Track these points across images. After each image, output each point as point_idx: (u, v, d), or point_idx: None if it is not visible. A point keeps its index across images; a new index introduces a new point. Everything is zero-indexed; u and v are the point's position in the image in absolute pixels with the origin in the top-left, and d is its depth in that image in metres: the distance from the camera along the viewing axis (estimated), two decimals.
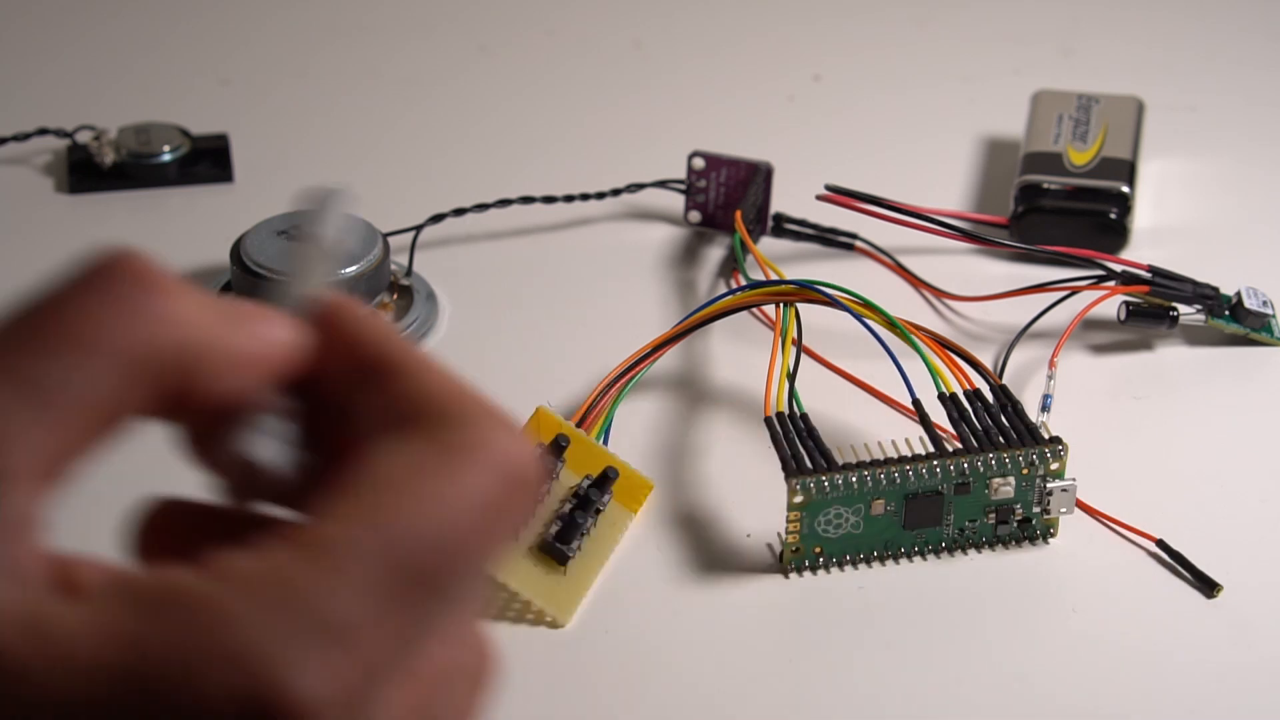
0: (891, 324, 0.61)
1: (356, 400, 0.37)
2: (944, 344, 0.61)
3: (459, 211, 0.73)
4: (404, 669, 0.35)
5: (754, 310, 0.69)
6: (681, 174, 0.74)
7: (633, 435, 0.63)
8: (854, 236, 0.74)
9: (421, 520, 0.35)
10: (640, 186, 0.75)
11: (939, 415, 0.59)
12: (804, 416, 0.59)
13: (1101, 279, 0.67)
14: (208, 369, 0.36)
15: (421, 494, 0.35)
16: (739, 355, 0.67)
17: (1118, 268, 0.67)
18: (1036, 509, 0.59)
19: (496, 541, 0.36)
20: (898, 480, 0.57)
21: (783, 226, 0.74)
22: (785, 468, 0.57)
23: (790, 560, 0.58)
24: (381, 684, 0.34)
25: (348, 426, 0.37)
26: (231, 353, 0.37)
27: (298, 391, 0.38)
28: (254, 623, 0.33)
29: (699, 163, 0.74)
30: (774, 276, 0.67)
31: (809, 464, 0.57)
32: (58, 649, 0.32)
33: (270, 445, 0.37)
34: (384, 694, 0.35)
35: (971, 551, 0.59)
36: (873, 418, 0.64)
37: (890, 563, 0.59)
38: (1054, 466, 0.58)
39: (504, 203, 0.73)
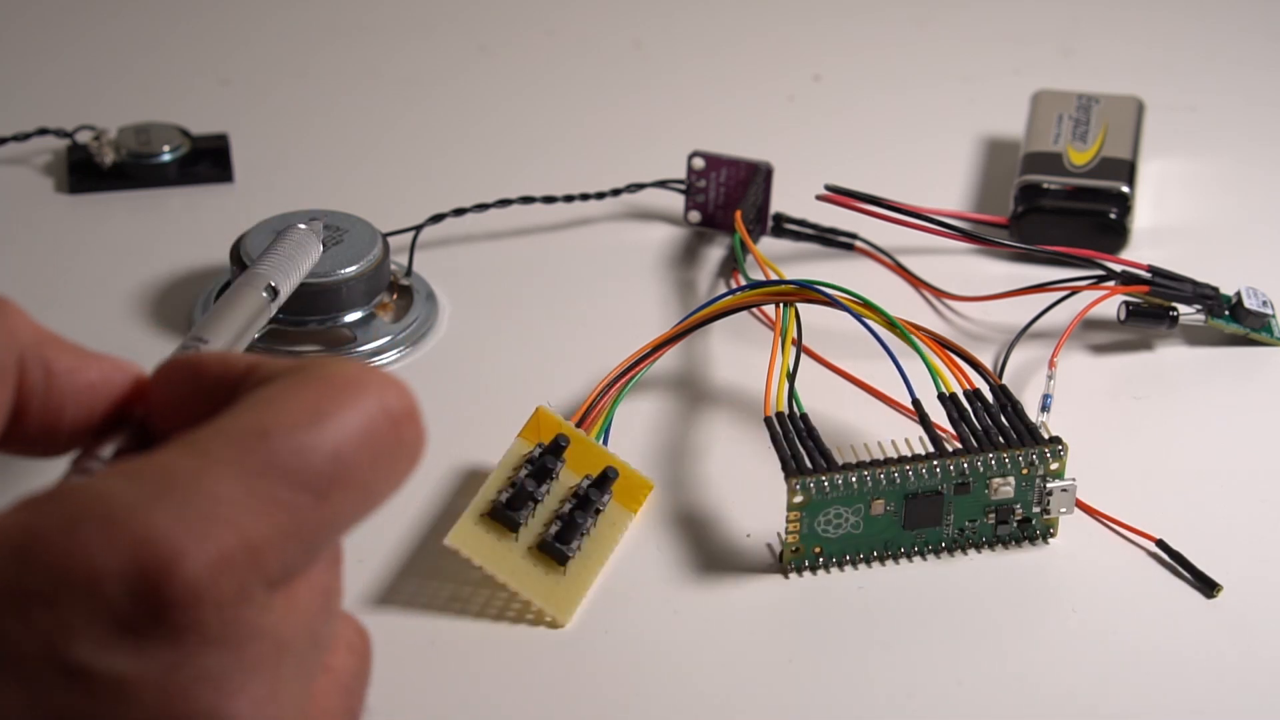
0: (891, 324, 0.61)
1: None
2: (944, 344, 0.61)
3: (459, 211, 0.73)
4: (285, 571, 0.37)
5: (754, 310, 0.69)
6: (681, 174, 0.74)
7: (633, 435, 0.63)
8: (854, 236, 0.74)
9: (301, 426, 0.37)
10: (640, 186, 0.75)
11: (939, 415, 0.59)
12: (804, 416, 0.59)
13: (1101, 279, 0.67)
14: (60, 375, 0.40)
15: (300, 407, 0.37)
16: (739, 355, 0.67)
17: (1118, 268, 0.67)
18: (1036, 509, 0.59)
19: (384, 472, 0.38)
20: (898, 480, 0.57)
21: (783, 226, 0.74)
22: (785, 468, 0.57)
23: (790, 560, 0.58)
24: (262, 572, 0.36)
25: None
26: (79, 371, 0.41)
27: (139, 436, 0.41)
28: (134, 496, 0.35)
29: (699, 163, 0.74)
30: (774, 276, 0.67)
31: (809, 464, 0.57)
32: None
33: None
34: (269, 596, 0.36)
35: (971, 551, 0.59)
36: (873, 418, 0.64)
37: (890, 563, 0.59)
38: (1054, 466, 0.58)
39: (504, 203, 0.73)
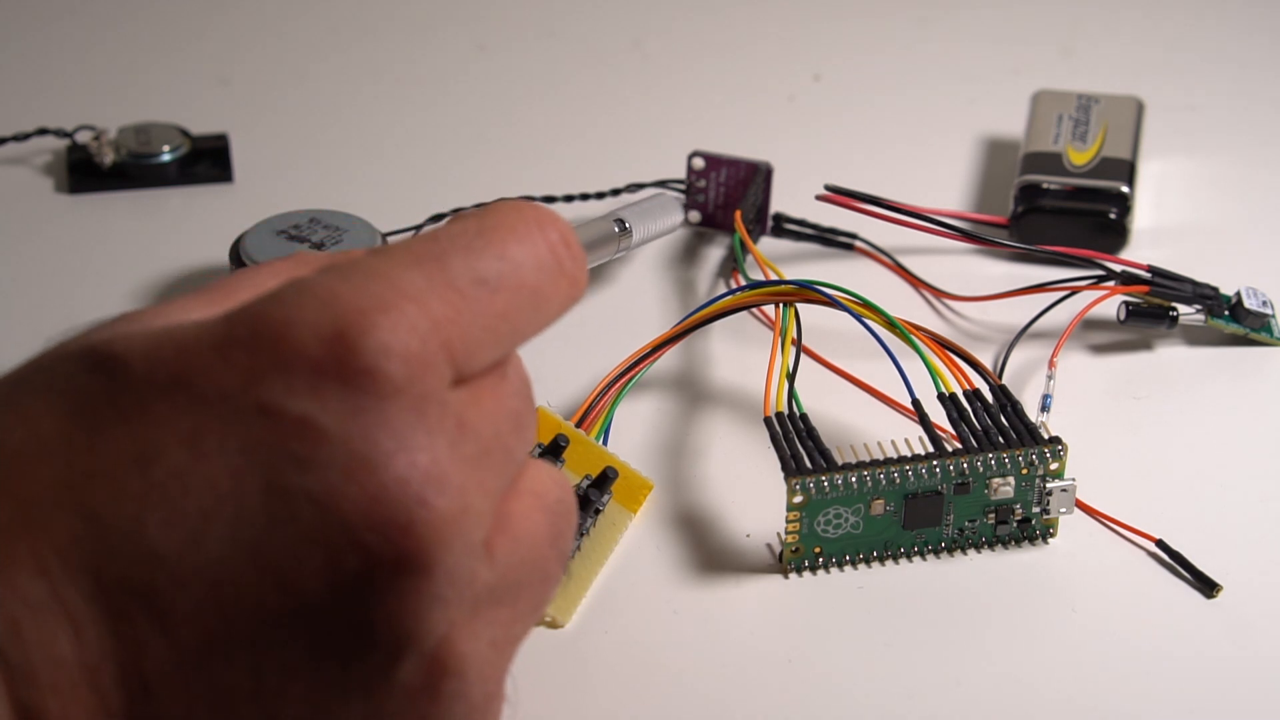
0: (891, 324, 0.61)
1: None
2: (944, 344, 0.61)
3: (459, 211, 0.73)
4: (468, 356, 0.40)
5: (754, 310, 0.69)
6: (681, 174, 0.74)
7: (632, 435, 0.63)
8: (854, 236, 0.74)
9: (469, 234, 0.42)
10: (640, 186, 0.75)
11: (939, 415, 0.59)
12: (804, 416, 0.59)
13: (1101, 279, 0.67)
14: None
15: (464, 228, 0.42)
16: (739, 355, 0.67)
17: (1118, 268, 0.67)
18: (1036, 509, 0.59)
19: (549, 283, 0.43)
20: (897, 480, 0.57)
21: (783, 226, 0.74)
22: (785, 468, 0.57)
23: (790, 560, 0.58)
24: (444, 345, 0.40)
25: None
26: None
27: None
28: (328, 275, 0.39)
29: (699, 163, 0.74)
30: (774, 276, 0.67)
31: (809, 464, 0.57)
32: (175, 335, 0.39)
33: None
34: (454, 381, 0.40)
35: (971, 551, 0.59)
36: (873, 418, 0.64)
37: (890, 563, 0.59)
38: (1054, 466, 0.58)
39: None
